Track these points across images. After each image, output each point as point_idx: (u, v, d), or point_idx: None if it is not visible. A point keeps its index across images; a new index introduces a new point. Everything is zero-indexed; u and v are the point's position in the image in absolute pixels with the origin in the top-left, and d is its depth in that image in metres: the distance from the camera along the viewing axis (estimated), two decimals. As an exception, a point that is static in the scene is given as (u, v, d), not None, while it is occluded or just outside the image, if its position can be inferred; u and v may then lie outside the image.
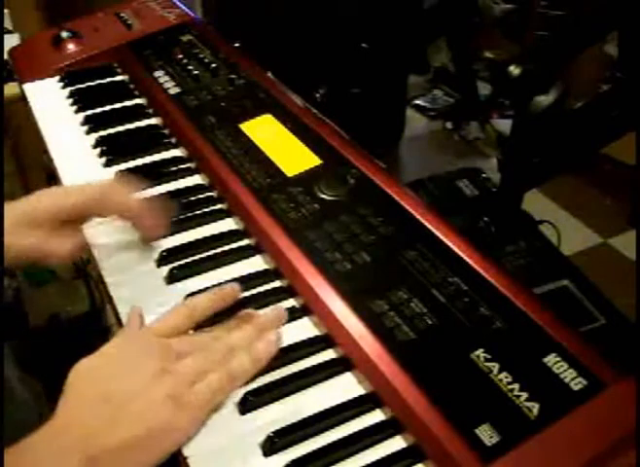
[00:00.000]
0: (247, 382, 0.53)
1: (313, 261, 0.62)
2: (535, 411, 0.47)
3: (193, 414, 0.49)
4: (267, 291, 0.62)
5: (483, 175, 0.92)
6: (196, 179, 0.79)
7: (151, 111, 0.93)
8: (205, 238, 0.69)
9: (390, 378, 0.51)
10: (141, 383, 0.49)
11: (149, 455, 0.47)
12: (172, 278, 0.64)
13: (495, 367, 0.50)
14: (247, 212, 0.69)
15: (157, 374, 0.50)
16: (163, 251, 0.67)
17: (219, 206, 0.74)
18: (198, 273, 0.65)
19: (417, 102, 1.17)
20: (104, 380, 0.50)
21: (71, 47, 1.06)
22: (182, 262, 0.66)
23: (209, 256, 0.67)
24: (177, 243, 0.68)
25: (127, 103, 0.95)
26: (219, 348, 0.54)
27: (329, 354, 0.56)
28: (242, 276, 0.63)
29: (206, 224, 0.71)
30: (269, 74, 0.94)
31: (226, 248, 0.68)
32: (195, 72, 0.94)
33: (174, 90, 0.92)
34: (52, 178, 0.86)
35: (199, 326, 0.58)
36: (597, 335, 0.72)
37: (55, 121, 0.92)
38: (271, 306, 0.60)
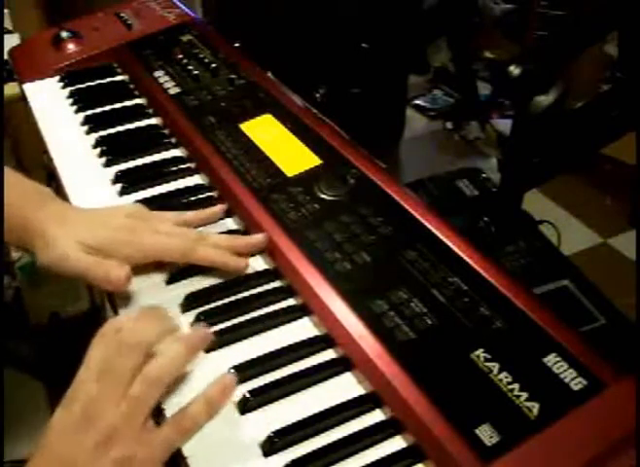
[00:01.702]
0: (247, 382, 0.53)
1: (313, 261, 0.61)
2: (535, 411, 0.47)
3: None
4: (267, 291, 0.62)
5: (483, 175, 0.92)
6: (196, 179, 0.79)
7: (151, 111, 0.93)
8: (205, 238, 0.68)
9: (390, 378, 0.51)
10: (86, 455, 0.45)
11: None
12: (172, 279, 0.64)
13: (495, 367, 0.50)
14: (247, 212, 0.69)
15: (100, 442, 0.45)
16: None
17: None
18: (197, 274, 0.64)
19: (417, 102, 1.18)
20: (57, 449, 0.46)
21: (71, 47, 1.06)
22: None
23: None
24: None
25: (127, 103, 0.95)
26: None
27: (329, 354, 0.56)
28: (242, 276, 0.63)
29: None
30: (269, 74, 0.94)
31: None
32: (196, 72, 0.94)
33: (174, 90, 0.92)
34: (52, 178, 0.86)
35: None
36: (597, 335, 0.72)
37: (55, 121, 0.92)
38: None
